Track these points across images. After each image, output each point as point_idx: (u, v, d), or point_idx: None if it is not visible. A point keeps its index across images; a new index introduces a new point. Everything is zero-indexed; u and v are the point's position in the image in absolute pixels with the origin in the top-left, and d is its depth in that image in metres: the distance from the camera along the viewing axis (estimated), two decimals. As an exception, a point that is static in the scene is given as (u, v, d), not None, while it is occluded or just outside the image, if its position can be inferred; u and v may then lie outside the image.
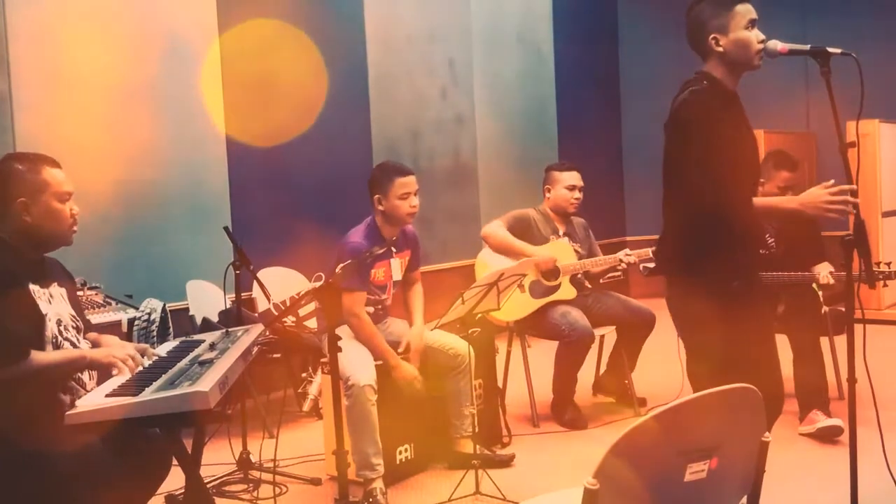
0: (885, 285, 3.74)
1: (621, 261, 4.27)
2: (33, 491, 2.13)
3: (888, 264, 3.79)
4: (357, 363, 3.34)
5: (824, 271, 3.95)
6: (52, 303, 2.39)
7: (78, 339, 2.42)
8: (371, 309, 3.60)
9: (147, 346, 2.61)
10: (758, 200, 2.43)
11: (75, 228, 2.41)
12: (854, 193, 2.32)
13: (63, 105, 4.28)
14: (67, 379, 2.29)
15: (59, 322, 2.36)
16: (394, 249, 3.64)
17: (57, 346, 2.32)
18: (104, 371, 2.32)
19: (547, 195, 4.45)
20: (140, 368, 2.33)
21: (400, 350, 3.59)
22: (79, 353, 2.30)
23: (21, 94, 4.10)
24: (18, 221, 2.31)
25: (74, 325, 2.44)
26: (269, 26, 5.23)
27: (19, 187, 2.30)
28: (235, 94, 5.04)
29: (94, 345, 2.51)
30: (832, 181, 2.37)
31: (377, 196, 3.55)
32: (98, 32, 4.44)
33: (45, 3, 4.22)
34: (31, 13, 4.16)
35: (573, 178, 4.41)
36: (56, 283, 2.45)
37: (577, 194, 4.41)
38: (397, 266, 3.68)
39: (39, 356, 2.20)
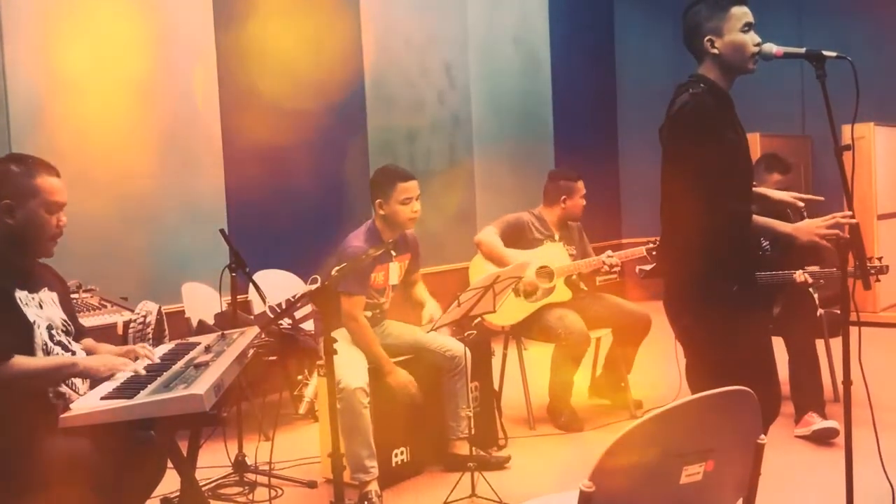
0: (877, 280, 3.76)
1: (604, 262, 4.27)
2: (27, 494, 2.12)
3: (880, 259, 3.81)
4: (349, 366, 3.33)
5: (799, 273, 3.96)
6: (43, 308, 2.37)
7: (69, 343, 2.41)
8: (369, 313, 3.60)
9: (144, 344, 2.60)
10: (755, 218, 2.45)
11: (57, 241, 2.36)
12: (849, 216, 2.36)
13: (58, 107, 4.27)
14: (57, 385, 2.26)
15: (49, 327, 2.34)
16: (393, 253, 3.63)
17: (47, 354, 2.29)
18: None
19: (562, 205, 4.44)
20: (134, 372, 2.32)
21: (397, 353, 3.59)
22: (70, 360, 2.27)
23: (17, 97, 4.09)
24: (1, 224, 2.28)
25: (65, 330, 2.42)
26: (265, 28, 5.23)
27: (8, 188, 2.28)
28: (232, 96, 5.04)
29: (89, 352, 2.49)
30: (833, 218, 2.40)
31: (378, 200, 3.55)
32: (94, 35, 4.43)
33: (40, 5, 4.22)
34: (27, 15, 4.16)
35: (582, 185, 4.48)
36: (46, 288, 2.42)
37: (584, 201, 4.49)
38: (395, 270, 3.68)
39: (22, 360, 2.16)
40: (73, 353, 2.40)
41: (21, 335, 2.24)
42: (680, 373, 2.61)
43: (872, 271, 3.72)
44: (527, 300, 4.28)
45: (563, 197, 4.44)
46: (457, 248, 6.35)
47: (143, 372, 2.31)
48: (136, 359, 2.45)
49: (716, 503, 1.61)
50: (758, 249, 4.08)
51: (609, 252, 4.31)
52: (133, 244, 4.54)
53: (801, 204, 2.69)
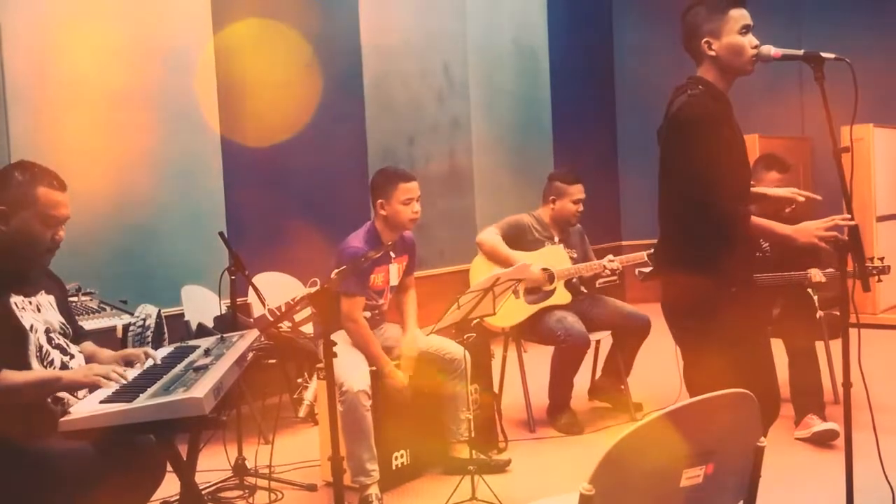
0: (879, 280, 3.75)
1: (605, 267, 4.26)
2: (27, 498, 2.12)
3: (881, 259, 3.81)
4: (351, 369, 3.33)
5: (815, 272, 3.97)
6: (40, 312, 2.36)
7: (67, 346, 2.40)
8: (368, 314, 3.60)
9: (147, 348, 2.59)
10: (754, 219, 2.45)
11: (53, 253, 2.35)
12: (848, 218, 2.37)
13: (57, 109, 4.27)
14: (43, 400, 2.23)
15: (47, 331, 2.33)
16: (392, 254, 3.63)
17: (42, 358, 2.28)
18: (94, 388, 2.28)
19: (551, 205, 4.43)
20: (133, 375, 2.31)
21: (394, 356, 3.59)
22: (53, 375, 2.23)
23: (15, 98, 4.09)
24: None
25: (63, 332, 2.41)
26: (263, 30, 5.23)
27: (6, 195, 2.27)
28: (230, 98, 5.04)
29: (90, 357, 2.49)
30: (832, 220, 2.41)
31: (380, 201, 3.55)
32: (92, 36, 4.43)
33: (39, 7, 4.22)
34: (26, 17, 4.16)
35: (579, 190, 4.41)
36: (43, 291, 2.42)
37: (581, 207, 4.42)
38: (395, 271, 3.68)
39: (10, 376, 2.14)
40: (72, 356, 2.39)
41: (14, 343, 2.22)
42: (680, 375, 2.61)
43: (874, 272, 3.72)
44: (526, 297, 4.27)
45: (552, 197, 4.43)
46: (456, 250, 6.35)
47: (128, 379, 2.28)
48: (133, 363, 2.44)
49: (716, 506, 1.60)
50: (757, 250, 4.08)
51: (610, 256, 4.30)
52: (132, 247, 4.54)
53: (802, 199, 2.69)
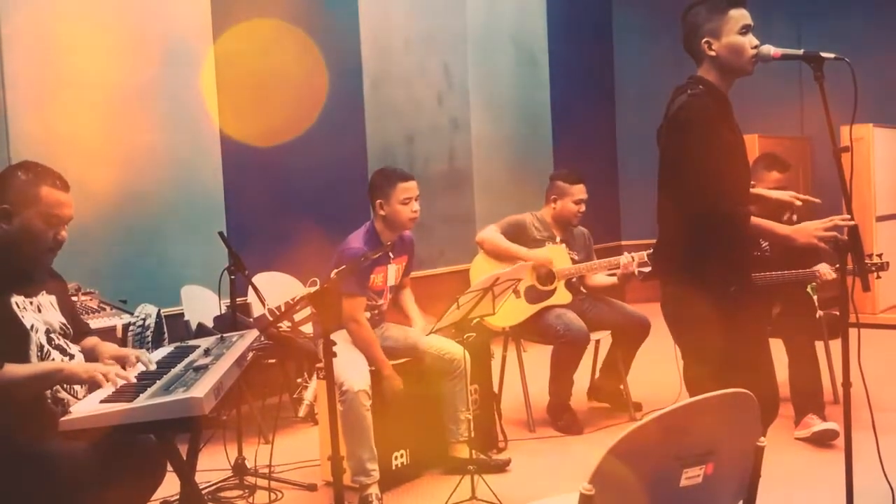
0: (878, 276, 3.75)
1: (630, 260, 4.10)
2: (28, 499, 2.12)
3: (880, 255, 3.80)
4: (351, 368, 3.34)
5: (823, 267, 3.96)
6: (41, 312, 2.36)
7: (68, 346, 2.40)
8: (368, 314, 3.60)
9: (143, 350, 2.59)
10: (754, 220, 2.45)
11: (55, 253, 2.35)
12: (848, 219, 2.37)
13: (57, 108, 4.27)
14: (44, 391, 2.23)
15: (47, 331, 2.33)
16: (391, 255, 3.64)
17: (43, 358, 2.28)
18: (92, 384, 2.28)
19: (553, 205, 4.43)
20: (133, 375, 2.31)
21: (395, 356, 3.58)
22: (54, 366, 2.23)
23: (16, 98, 4.09)
24: None
25: (63, 333, 2.41)
26: (264, 29, 5.24)
27: (8, 194, 2.27)
28: (231, 98, 5.04)
29: (91, 351, 2.49)
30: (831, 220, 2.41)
31: (379, 201, 3.56)
32: (93, 35, 4.43)
33: (40, 6, 4.22)
34: (26, 16, 4.16)
35: (581, 191, 4.39)
36: (44, 291, 2.42)
37: (583, 207, 4.41)
38: (394, 272, 3.69)
39: (12, 369, 2.14)
40: (72, 356, 2.39)
41: (15, 341, 2.22)
42: (680, 375, 2.62)
43: (873, 268, 3.72)
44: (526, 297, 4.26)
45: (554, 197, 4.42)
46: (456, 250, 6.36)
47: (133, 379, 2.28)
48: (127, 365, 2.43)
49: (716, 506, 1.60)
50: (756, 250, 4.08)
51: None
52: (132, 247, 4.54)
53: (799, 203, 2.70)
